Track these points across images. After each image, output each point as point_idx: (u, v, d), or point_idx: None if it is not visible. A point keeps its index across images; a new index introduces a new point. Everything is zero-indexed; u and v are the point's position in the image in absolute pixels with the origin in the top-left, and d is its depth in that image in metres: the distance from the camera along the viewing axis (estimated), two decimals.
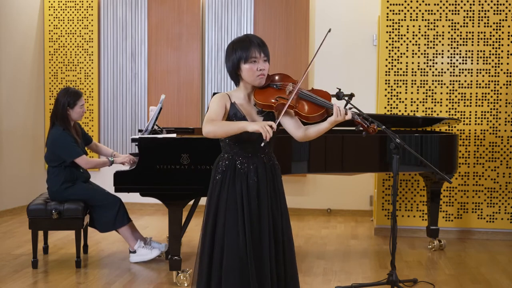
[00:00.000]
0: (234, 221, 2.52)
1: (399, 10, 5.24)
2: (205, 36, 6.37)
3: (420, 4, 5.22)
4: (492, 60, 5.18)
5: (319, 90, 2.61)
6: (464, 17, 5.19)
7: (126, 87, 6.53)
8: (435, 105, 5.25)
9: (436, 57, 5.24)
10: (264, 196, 2.55)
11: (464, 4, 5.18)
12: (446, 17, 5.21)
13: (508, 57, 5.17)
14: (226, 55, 2.60)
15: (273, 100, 2.52)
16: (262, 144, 2.39)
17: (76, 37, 6.55)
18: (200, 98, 6.38)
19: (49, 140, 4.24)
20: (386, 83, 5.29)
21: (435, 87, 5.25)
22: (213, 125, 2.45)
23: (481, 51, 5.19)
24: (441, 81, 5.24)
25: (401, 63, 5.27)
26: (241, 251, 2.49)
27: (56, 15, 6.57)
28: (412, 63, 5.26)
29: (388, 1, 5.25)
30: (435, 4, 5.21)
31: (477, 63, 5.20)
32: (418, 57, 5.25)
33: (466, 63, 5.22)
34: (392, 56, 5.27)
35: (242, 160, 2.57)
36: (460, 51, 5.21)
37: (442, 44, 5.23)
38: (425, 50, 5.24)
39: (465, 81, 5.22)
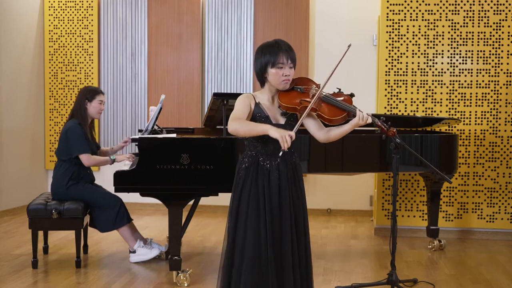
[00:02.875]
0: (255, 217, 2.59)
1: (399, 10, 5.24)
2: (205, 36, 6.37)
3: (420, 4, 5.22)
4: (492, 60, 5.18)
5: (340, 94, 2.70)
6: (464, 17, 5.19)
7: (126, 87, 6.53)
8: (435, 105, 5.25)
9: (436, 57, 5.24)
10: (285, 192, 2.62)
11: (464, 4, 5.19)
12: (446, 17, 5.21)
13: (508, 57, 5.17)
14: (255, 57, 2.69)
15: (297, 102, 2.61)
16: (280, 154, 2.48)
17: (76, 37, 6.55)
18: (200, 98, 6.38)
19: (63, 131, 4.25)
20: (386, 83, 5.29)
21: (435, 87, 5.25)
22: (238, 123, 2.55)
23: (481, 51, 5.19)
24: (441, 81, 5.24)
25: (401, 63, 5.27)
26: (261, 246, 2.56)
27: (56, 15, 6.57)
28: (412, 63, 5.26)
29: (388, 1, 5.25)
30: (435, 4, 5.21)
31: (477, 63, 5.20)
32: (418, 57, 5.25)
33: (466, 63, 5.22)
34: (392, 56, 5.27)
35: (264, 157, 2.64)
36: (460, 51, 5.21)
37: (442, 44, 5.23)
38: (425, 50, 5.24)
39: (465, 81, 5.22)
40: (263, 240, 2.57)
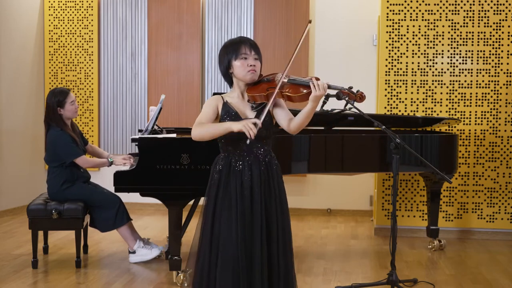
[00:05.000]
0: (229, 220, 2.55)
1: (399, 10, 5.24)
2: (205, 36, 6.37)
3: (420, 4, 5.22)
4: (492, 60, 5.18)
5: (308, 77, 2.61)
6: (464, 17, 5.19)
7: (126, 87, 6.53)
8: (435, 105, 5.25)
9: (436, 57, 5.24)
10: (258, 194, 2.56)
11: (464, 4, 5.19)
12: (446, 17, 5.21)
13: (508, 57, 5.17)
14: (219, 57, 2.69)
15: (264, 90, 2.56)
16: (248, 142, 2.40)
17: (76, 37, 6.56)
18: (200, 98, 6.38)
19: (48, 141, 4.23)
20: (386, 83, 5.29)
21: (435, 87, 5.25)
22: (200, 127, 2.52)
23: (481, 51, 5.19)
24: (441, 81, 5.24)
25: (401, 63, 5.27)
26: (235, 249, 2.52)
27: (56, 15, 6.57)
28: (412, 63, 5.26)
29: (388, 1, 5.25)
30: (435, 4, 5.21)
31: (477, 63, 5.20)
32: (418, 57, 5.25)
33: (466, 63, 5.22)
34: (392, 56, 5.27)
35: (237, 158, 2.59)
36: (460, 51, 5.21)
37: (442, 44, 5.23)
38: (425, 50, 5.24)
39: (465, 81, 5.22)
40: (235, 243, 2.51)
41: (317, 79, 2.54)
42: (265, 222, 2.56)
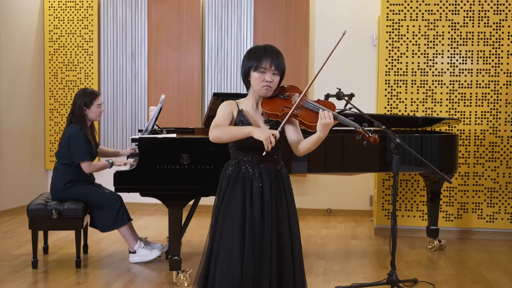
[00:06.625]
0: (231, 227, 2.52)
1: (399, 10, 5.24)
2: (205, 36, 6.36)
3: (420, 4, 5.22)
4: (492, 60, 5.18)
5: (325, 102, 2.60)
6: (464, 17, 5.19)
7: (126, 87, 6.53)
8: (435, 105, 5.26)
9: (436, 57, 5.24)
10: (268, 202, 2.54)
11: (464, 4, 5.19)
12: (446, 17, 5.21)
13: (508, 57, 5.17)
14: (242, 60, 2.64)
15: (278, 109, 2.54)
16: (264, 154, 2.41)
17: (76, 37, 6.55)
18: (200, 98, 6.38)
19: (65, 136, 4.26)
20: (386, 83, 5.29)
21: (435, 87, 5.25)
22: (219, 130, 2.49)
23: (481, 51, 5.19)
24: (441, 81, 5.25)
25: (401, 63, 5.27)
26: (235, 256, 2.48)
27: (56, 15, 6.57)
28: (412, 63, 5.26)
29: (388, 1, 5.25)
30: (435, 4, 5.21)
31: (477, 63, 5.20)
32: (418, 57, 5.25)
33: (466, 63, 5.22)
34: (392, 56, 5.27)
35: (247, 166, 2.57)
36: (460, 51, 5.21)
37: (442, 44, 5.23)
38: (425, 50, 5.24)
39: (465, 81, 5.22)
40: (237, 250, 2.47)
41: (333, 106, 2.54)
42: (275, 230, 2.54)
